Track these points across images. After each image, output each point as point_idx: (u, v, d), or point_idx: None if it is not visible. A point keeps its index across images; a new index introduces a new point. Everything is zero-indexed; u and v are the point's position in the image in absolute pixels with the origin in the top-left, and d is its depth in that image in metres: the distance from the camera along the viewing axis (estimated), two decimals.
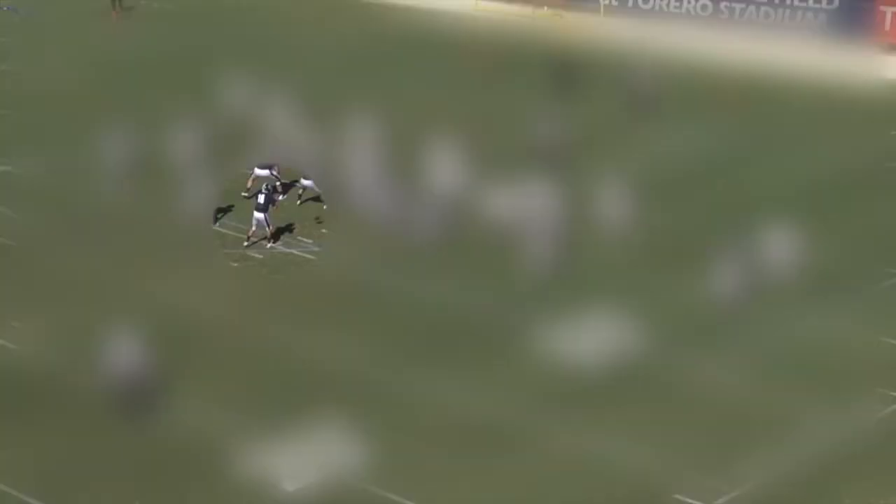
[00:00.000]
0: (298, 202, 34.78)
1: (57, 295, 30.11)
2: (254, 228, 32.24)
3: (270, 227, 32.26)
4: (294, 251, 32.45)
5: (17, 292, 30.21)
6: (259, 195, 32.48)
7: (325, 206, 34.36)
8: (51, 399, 25.61)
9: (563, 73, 45.91)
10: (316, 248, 32.46)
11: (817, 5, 49.09)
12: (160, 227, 33.66)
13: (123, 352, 24.58)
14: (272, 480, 22.88)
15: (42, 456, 23.68)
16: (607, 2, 50.29)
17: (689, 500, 22.07)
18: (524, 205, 33.18)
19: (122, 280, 30.74)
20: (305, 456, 23.48)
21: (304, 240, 32.97)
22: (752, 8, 50.75)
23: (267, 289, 30.47)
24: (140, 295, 29.98)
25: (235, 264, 31.68)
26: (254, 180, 34.81)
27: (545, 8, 51.68)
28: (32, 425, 24.66)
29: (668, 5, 52.85)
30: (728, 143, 40.30)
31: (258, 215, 32.09)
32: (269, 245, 32.30)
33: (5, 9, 58.95)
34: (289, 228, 33.22)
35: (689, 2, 52.25)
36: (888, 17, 47.67)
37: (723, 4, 51.38)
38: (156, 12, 58.16)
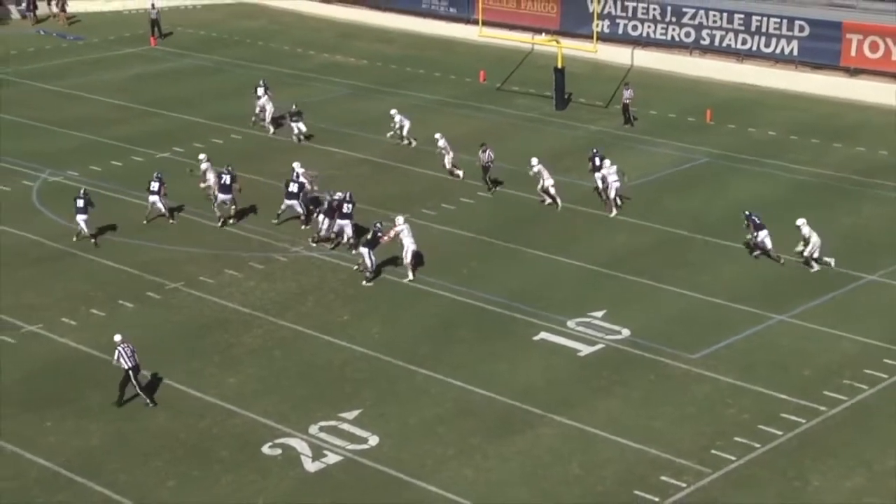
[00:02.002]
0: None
1: (104, 293, 30.28)
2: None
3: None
4: (315, 254, 32.59)
5: (68, 291, 30.40)
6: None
7: None
8: (95, 388, 25.77)
9: (561, 92, 46.21)
10: (336, 253, 32.60)
11: (790, 33, 49.14)
12: (199, 234, 33.95)
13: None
14: (296, 461, 23.05)
15: (87, 439, 23.87)
16: (599, 29, 50.29)
17: (673, 481, 22.22)
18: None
19: (166, 279, 30.99)
20: (328, 439, 23.69)
21: (325, 245, 33.12)
22: (731, 35, 50.79)
23: (292, 287, 30.64)
24: (180, 293, 30.27)
25: (262, 266, 31.84)
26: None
27: (543, 34, 51.76)
28: (79, 412, 24.84)
29: (654, 32, 52.86)
30: (705, 156, 40.45)
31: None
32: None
33: (55, 35, 59.21)
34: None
35: (673, 29, 52.32)
36: (854, 43, 47.69)
37: (704, 32, 51.43)
38: (191, 38, 58.39)
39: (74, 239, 33.05)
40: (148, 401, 24.99)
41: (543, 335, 27.99)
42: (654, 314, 29.04)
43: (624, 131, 43.32)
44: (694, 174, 39.17)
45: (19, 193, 36.45)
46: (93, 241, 32.99)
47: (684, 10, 52.12)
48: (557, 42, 47.94)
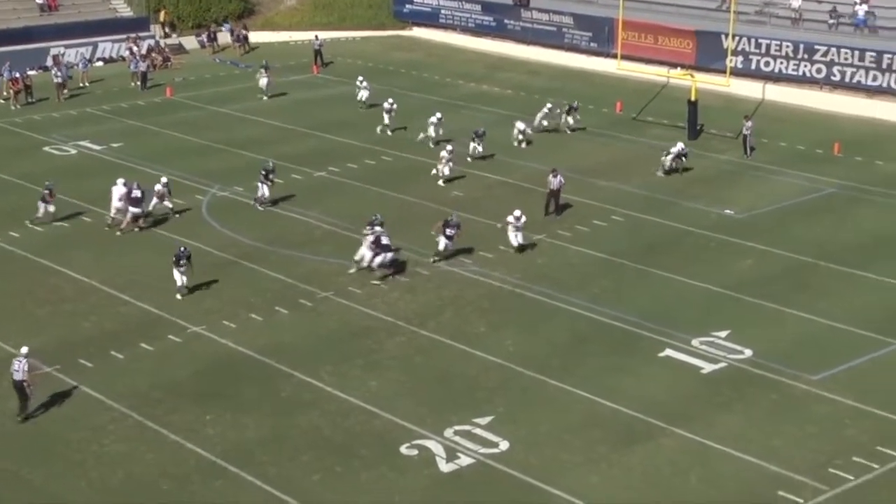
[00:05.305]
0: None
1: (262, 299, 30.75)
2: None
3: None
4: (455, 269, 32.61)
5: (230, 297, 30.98)
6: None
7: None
8: (252, 386, 26.20)
9: (693, 123, 45.67)
10: (475, 268, 32.60)
11: None
12: (352, 248, 34.29)
13: None
14: (432, 462, 23.06)
15: (243, 433, 24.24)
16: (733, 64, 49.49)
17: (791, 497, 21.54)
18: None
19: (318, 289, 31.36)
20: (462, 442, 23.64)
21: (465, 261, 33.11)
22: (861, 72, 49.50)
23: (433, 299, 30.73)
24: (330, 302, 30.61)
25: (406, 279, 32.00)
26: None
27: (678, 69, 51.18)
28: (236, 407, 25.24)
29: (786, 68, 51.82)
30: (832, 187, 39.41)
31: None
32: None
33: (228, 63, 60.71)
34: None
35: (805, 65, 51.16)
36: None
37: (835, 68, 50.21)
38: (350, 67, 59.24)
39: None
40: (21, 415, 24.73)
41: (669, 352, 27.51)
42: (776, 336, 28.30)
43: (750, 161, 42.51)
44: (820, 204, 38.15)
45: (191, 206, 37.35)
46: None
47: (816, 47, 50.96)
48: (692, 76, 47.33)
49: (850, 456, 22.92)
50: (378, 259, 31.52)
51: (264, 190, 37.30)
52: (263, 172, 37.44)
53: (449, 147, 40.06)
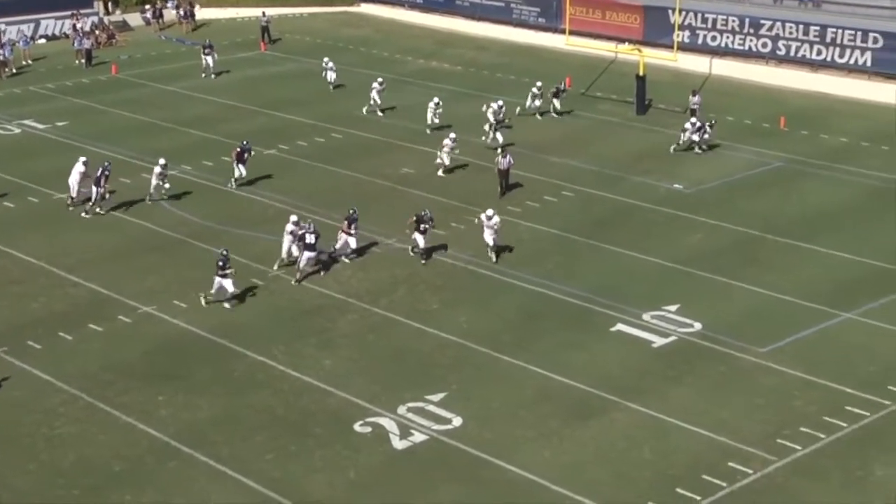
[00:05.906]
0: None
1: (212, 278, 30.52)
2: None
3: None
4: (408, 247, 32.50)
5: (180, 276, 30.74)
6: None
7: None
8: (204, 366, 26.06)
9: (642, 98, 45.87)
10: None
11: (864, 44, 48.18)
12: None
13: None
14: (385, 439, 23.11)
15: (195, 413, 24.12)
16: (680, 39, 49.72)
17: (741, 468, 21.84)
18: None
19: (269, 267, 31.20)
20: (415, 419, 23.70)
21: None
22: (806, 46, 49.94)
23: (385, 277, 30.70)
24: (282, 280, 30.48)
25: (358, 257, 31.91)
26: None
27: (626, 44, 51.34)
28: (189, 388, 25.12)
29: (732, 43, 52.17)
30: (778, 160, 39.80)
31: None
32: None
33: (174, 40, 60.06)
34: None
35: (751, 40, 51.55)
36: None
37: (780, 42, 50.63)
38: (297, 43, 58.86)
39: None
40: None
41: (620, 327, 27.72)
42: (725, 309, 28.60)
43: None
44: (767, 178, 38.51)
45: (139, 186, 37.01)
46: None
47: (762, 21, 51.33)
48: (640, 51, 47.47)
49: (797, 426, 23.24)
50: (301, 258, 30.21)
51: (241, 170, 36.76)
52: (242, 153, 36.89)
53: (452, 135, 38.52)
